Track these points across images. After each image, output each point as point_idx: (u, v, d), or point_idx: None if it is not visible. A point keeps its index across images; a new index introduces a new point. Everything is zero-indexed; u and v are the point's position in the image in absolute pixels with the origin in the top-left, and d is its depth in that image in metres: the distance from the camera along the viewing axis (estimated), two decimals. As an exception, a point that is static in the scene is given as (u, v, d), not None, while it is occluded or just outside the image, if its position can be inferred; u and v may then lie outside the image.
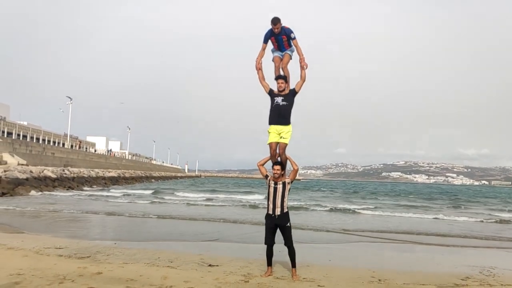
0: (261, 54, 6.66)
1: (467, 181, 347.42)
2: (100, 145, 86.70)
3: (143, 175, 74.93)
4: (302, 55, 6.56)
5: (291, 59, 6.72)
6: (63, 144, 53.91)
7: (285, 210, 6.32)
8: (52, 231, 11.51)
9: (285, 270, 6.73)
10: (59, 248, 8.16)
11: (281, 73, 6.70)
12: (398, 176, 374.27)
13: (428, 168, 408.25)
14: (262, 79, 6.69)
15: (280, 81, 6.52)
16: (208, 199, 28.94)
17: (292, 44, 6.64)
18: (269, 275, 6.37)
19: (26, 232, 10.93)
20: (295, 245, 6.41)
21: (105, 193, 31.16)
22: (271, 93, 6.60)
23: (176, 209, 20.32)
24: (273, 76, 6.74)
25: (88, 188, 37.33)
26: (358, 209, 23.87)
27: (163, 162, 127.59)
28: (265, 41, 6.65)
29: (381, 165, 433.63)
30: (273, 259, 6.48)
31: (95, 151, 69.97)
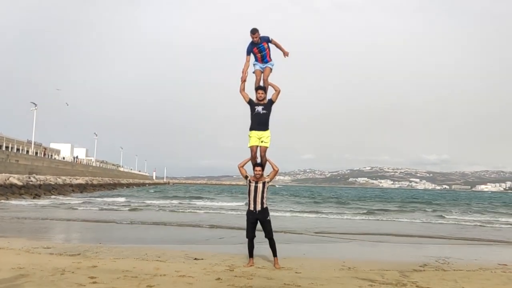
0: (247, 66, 7.36)
1: (430, 186, 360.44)
2: (65, 152, 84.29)
3: (111, 182, 73.73)
4: (281, 46, 7.33)
5: (271, 71, 7.46)
6: (27, 151, 52.41)
7: (265, 206, 7.04)
8: (31, 237, 11.59)
9: (265, 262, 7.42)
10: (47, 248, 8.48)
11: (261, 84, 7.43)
12: (364, 182, 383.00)
13: (393, 173, 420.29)
14: (243, 89, 7.40)
15: (260, 91, 7.26)
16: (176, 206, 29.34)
17: (270, 58, 7.39)
18: (251, 265, 7.05)
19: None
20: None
21: (74, 201, 30.64)
22: (250, 102, 7.31)
23: (155, 215, 20.57)
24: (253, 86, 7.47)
25: (55, 196, 36.57)
26: (327, 213, 24.93)
27: (131, 169, 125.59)
28: (248, 53, 7.36)
29: (348, 171, 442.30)
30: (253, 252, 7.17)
31: (63, 158, 68.21)
